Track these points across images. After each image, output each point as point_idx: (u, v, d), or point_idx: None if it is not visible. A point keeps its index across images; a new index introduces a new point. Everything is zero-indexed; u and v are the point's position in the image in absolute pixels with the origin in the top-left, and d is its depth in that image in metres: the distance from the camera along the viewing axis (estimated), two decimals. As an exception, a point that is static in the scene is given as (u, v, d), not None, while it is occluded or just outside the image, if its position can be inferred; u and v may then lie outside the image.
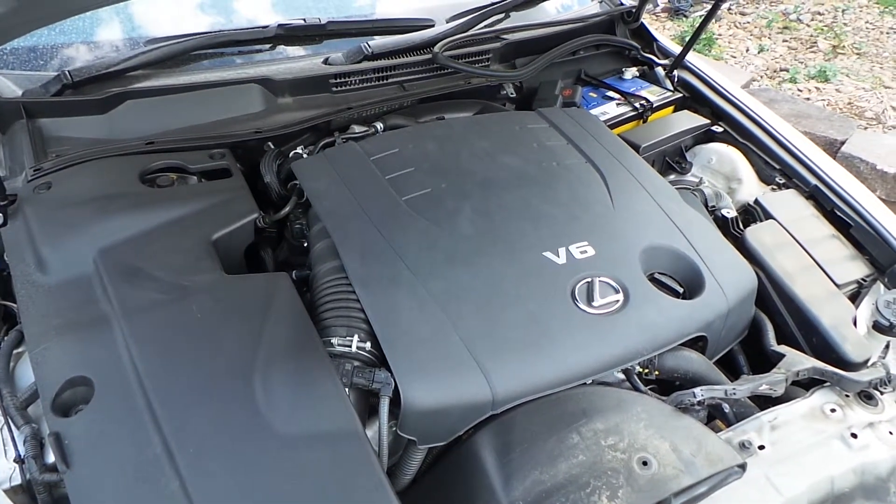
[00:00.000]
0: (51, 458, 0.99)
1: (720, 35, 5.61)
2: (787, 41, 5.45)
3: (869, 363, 1.33)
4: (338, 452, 0.98)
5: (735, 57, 5.28)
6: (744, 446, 1.14)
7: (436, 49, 1.80)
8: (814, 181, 1.73)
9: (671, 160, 1.92)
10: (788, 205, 1.68)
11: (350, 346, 1.13)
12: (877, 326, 1.39)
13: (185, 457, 0.94)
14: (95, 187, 1.37)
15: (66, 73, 1.51)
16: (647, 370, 1.26)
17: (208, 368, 1.06)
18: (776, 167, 1.82)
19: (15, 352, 1.18)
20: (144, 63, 1.59)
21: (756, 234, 1.55)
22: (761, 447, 1.14)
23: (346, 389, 1.07)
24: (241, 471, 0.94)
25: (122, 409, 1.00)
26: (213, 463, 0.94)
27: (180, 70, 1.67)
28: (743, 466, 1.07)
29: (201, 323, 1.12)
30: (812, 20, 5.71)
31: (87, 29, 1.67)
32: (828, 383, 1.26)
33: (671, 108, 2.07)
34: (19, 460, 1.03)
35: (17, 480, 1.03)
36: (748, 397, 1.23)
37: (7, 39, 1.40)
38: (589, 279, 1.25)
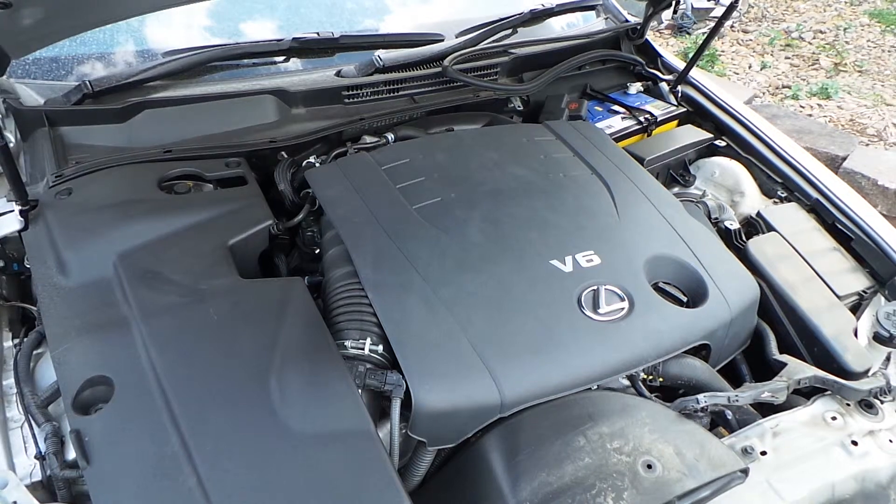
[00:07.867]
0: (71, 455, 1.03)
1: (723, 52, 5.68)
2: (789, 58, 5.51)
3: (869, 373, 1.35)
4: (351, 451, 1.00)
5: (738, 73, 5.34)
6: (746, 452, 1.16)
7: (445, 63, 1.85)
8: (815, 195, 1.76)
9: (675, 173, 1.95)
10: (790, 218, 1.71)
11: (363, 349, 1.16)
12: (877, 337, 1.41)
13: (203, 454, 0.97)
14: (115, 193, 1.41)
15: (87, 82, 1.56)
16: (651, 376, 1.28)
17: (225, 369, 1.09)
18: (778, 181, 1.86)
19: (35, 352, 1.21)
20: (162, 74, 1.64)
21: (758, 246, 1.58)
22: (763, 453, 1.17)
23: (359, 391, 1.10)
24: (256, 468, 0.97)
25: (140, 407, 1.03)
26: (230, 460, 0.97)
27: (197, 81, 1.72)
28: (745, 471, 1.09)
29: (218, 325, 1.15)
30: (814, 38, 5.77)
31: (108, 41, 1.72)
32: (829, 392, 1.28)
33: (675, 122, 2.11)
34: (40, 457, 1.06)
35: (38, 476, 1.06)
36: (750, 405, 1.26)
37: (31, 50, 1.45)
38: (595, 287, 1.28)
